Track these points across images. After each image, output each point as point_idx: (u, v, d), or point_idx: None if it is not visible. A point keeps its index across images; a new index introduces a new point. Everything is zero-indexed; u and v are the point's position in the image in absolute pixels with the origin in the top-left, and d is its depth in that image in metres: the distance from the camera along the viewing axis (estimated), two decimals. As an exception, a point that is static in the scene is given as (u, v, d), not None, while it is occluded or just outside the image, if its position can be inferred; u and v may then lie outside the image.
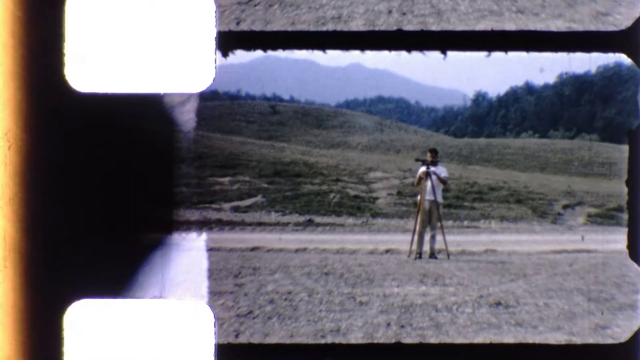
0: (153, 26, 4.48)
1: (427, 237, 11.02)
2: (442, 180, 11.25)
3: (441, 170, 11.30)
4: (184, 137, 5.08)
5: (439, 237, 11.02)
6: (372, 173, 16.54)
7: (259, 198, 14.96)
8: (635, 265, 4.85)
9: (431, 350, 5.54)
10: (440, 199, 11.30)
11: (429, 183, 11.12)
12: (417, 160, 11.56)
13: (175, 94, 4.78)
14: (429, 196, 11.16)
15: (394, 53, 5.11)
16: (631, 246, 4.89)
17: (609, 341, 5.86)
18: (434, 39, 5.08)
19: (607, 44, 4.87)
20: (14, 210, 4.53)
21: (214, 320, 4.52)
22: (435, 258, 10.68)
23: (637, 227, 4.86)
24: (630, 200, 4.90)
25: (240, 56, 5.07)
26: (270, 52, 5.06)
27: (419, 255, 10.76)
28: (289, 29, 5.45)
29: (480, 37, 5.06)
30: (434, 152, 11.64)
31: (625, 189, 4.95)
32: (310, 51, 5.07)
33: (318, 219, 14.50)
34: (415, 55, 5.22)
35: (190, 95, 4.93)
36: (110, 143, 4.71)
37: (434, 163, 11.29)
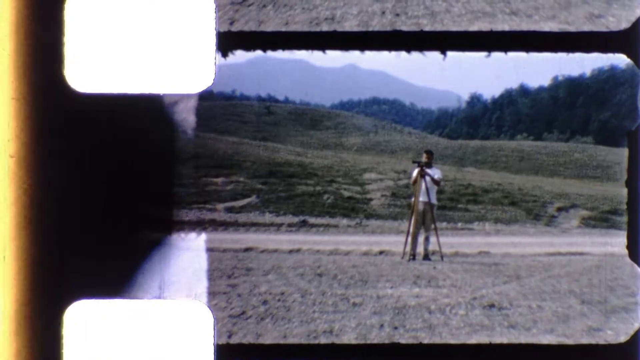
0: (153, 26, 4.47)
1: (421, 239, 11.02)
2: (435, 182, 11.26)
3: (435, 171, 11.31)
4: (180, 137, 5.08)
5: (432, 239, 11.02)
6: (366, 174, 16.54)
7: (253, 198, 14.94)
8: (635, 266, 4.85)
9: (425, 351, 5.54)
10: (434, 200, 11.30)
11: (423, 184, 11.13)
12: (414, 162, 11.56)
13: (174, 94, 4.78)
14: (423, 197, 11.17)
15: (389, 55, 5.11)
16: (631, 247, 4.89)
17: (603, 343, 5.86)
18: (427, 39, 5.08)
19: (607, 44, 4.86)
20: (14, 210, 4.52)
21: (212, 320, 4.52)
22: (429, 260, 10.68)
23: (637, 228, 4.86)
24: (629, 201, 4.90)
25: (235, 56, 5.07)
26: (265, 53, 5.06)
27: (413, 256, 10.76)
28: (283, 29, 5.45)
29: (475, 37, 5.06)
30: (429, 153, 11.64)
31: (625, 190, 4.95)
32: (306, 52, 5.07)
33: (312, 220, 14.49)
34: (411, 57, 5.22)
35: (186, 96, 4.92)
36: (110, 143, 4.71)
37: (429, 164, 11.31)
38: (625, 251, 4.93)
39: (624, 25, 4.86)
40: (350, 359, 5.27)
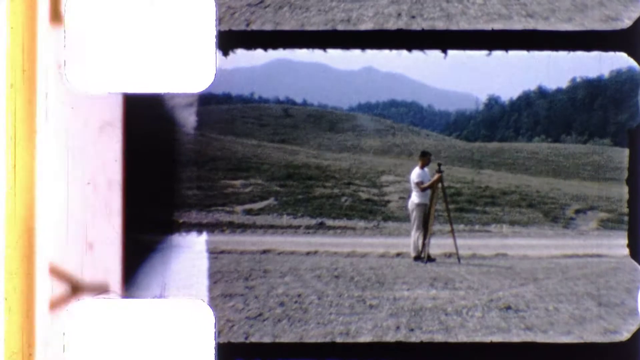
0: (154, 26, 4.49)
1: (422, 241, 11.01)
2: (416, 184, 11.33)
3: (417, 174, 11.39)
4: (189, 138, 5.10)
5: (432, 241, 10.98)
6: (384, 176, 16.52)
7: (271, 201, 14.95)
8: (636, 264, 4.84)
9: (438, 349, 5.54)
10: (423, 201, 11.27)
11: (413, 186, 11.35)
12: (439, 164, 11.50)
13: (178, 95, 4.80)
14: (417, 200, 11.28)
15: (406, 57, 5.13)
16: (632, 246, 4.88)
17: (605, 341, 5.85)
18: (446, 37, 5.09)
19: (609, 44, 4.86)
20: (15, 210, 4.55)
21: (214, 320, 4.53)
22: (432, 261, 10.61)
23: (638, 227, 4.85)
24: (630, 200, 4.89)
25: (253, 59, 5.10)
26: (281, 55, 5.08)
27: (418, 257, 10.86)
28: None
29: (487, 36, 5.06)
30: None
31: (626, 189, 4.94)
32: (323, 54, 5.08)
33: (329, 222, 14.48)
34: (428, 59, 5.24)
35: (195, 97, 4.95)
36: (110, 143, 4.73)
37: (422, 167, 11.43)
38: (627, 250, 4.92)
39: (631, 22, 4.86)
40: (359, 358, 5.27)
